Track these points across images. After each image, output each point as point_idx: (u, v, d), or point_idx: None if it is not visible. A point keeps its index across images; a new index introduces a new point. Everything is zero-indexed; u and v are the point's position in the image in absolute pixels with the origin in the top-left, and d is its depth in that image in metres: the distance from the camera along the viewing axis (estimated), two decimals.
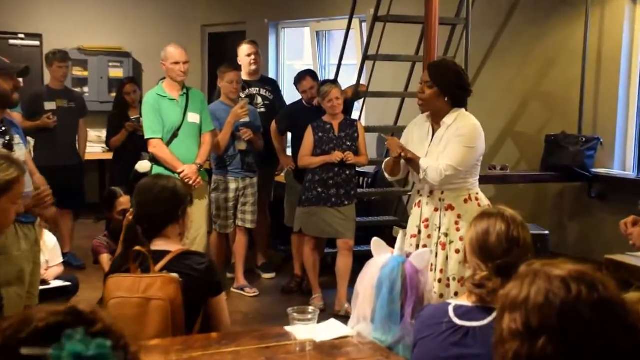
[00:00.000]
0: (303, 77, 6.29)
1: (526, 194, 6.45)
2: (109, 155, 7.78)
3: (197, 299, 2.89)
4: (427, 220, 4.11)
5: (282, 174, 6.87)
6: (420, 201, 4.18)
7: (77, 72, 9.34)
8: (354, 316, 2.80)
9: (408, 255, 2.73)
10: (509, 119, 6.62)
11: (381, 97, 7.08)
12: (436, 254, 4.07)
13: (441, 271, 4.04)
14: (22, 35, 9.11)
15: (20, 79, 4.02)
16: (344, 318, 3.24)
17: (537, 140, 6.15)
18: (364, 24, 7.88)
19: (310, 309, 2.81)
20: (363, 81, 6.82)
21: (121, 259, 3.00)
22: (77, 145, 7.20)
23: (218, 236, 6.23)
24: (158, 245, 2.96)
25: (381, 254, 2.67)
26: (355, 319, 2.79)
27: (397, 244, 2.71)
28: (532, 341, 1.37)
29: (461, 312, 2.37)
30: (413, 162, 4.09)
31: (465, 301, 2.40)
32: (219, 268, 6.12)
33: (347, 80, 7.13)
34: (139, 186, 3.11)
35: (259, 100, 6.71)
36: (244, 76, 6.61)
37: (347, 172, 5.76)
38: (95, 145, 8.68)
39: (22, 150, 3.94)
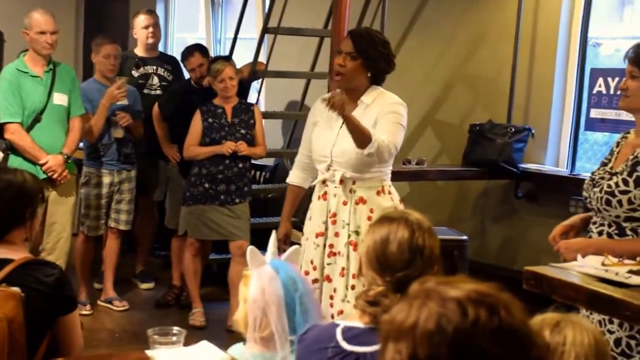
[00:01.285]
0: (191, 52, 6.22)
1: (445, 192, 6.51)
2: None
3: (44, 318, 2.82)
4: (334, 215, 4.07)
5: None
6: (326, 192, 4.12)
7: None
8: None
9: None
10: (429, 104, 6.68)
11: (283, 77, 7.06)
12: (347, 256, 4.01)
13: (354, 276, 3.98)
14: None
15: None
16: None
17: (461, 131, 6.22)
18: None
19: (175, 329, 2.78)
20: (262, 58, 6.77)
21: None
22: None
23: (85, 239, 6.09)
24: None
25: (260, 266, 2.61)
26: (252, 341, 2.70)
27: (270, 247, 2.68)
28: None
29: (351, 335, 2.33)
30: (359, 131, 3.80)
31: (357, 322, 2.36)
32: (85, 277, 6.07)
33: (245, 57, 7.08)
34: None
35: (155, 80, 6.68)
36: (140, 52, 6.71)
37: (240, 165, 5.72)
38: None
39: None
